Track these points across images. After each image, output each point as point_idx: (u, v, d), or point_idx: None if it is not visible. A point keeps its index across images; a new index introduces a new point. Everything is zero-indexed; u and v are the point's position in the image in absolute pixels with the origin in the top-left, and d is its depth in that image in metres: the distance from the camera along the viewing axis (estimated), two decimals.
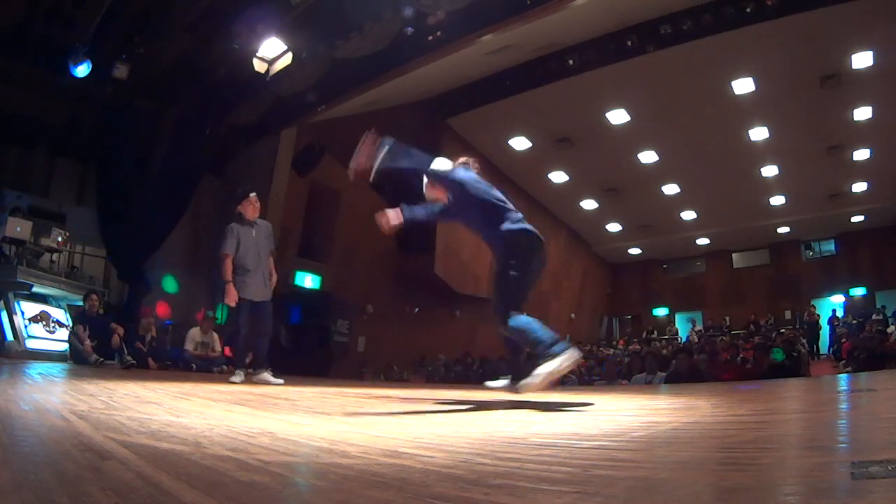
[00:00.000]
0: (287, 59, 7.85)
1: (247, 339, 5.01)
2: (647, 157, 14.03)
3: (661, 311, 20.94)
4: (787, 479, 1.03)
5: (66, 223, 8.82)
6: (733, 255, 19.99)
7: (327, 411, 2.50)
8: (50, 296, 8.13)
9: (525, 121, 12.81)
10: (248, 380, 4.86)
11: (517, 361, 3.26)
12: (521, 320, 2.72)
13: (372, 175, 2.85)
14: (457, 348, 14.20)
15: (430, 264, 12.99)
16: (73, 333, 7.24)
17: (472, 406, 2.95)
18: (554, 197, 16.70)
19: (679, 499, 0.88)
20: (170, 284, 10.16)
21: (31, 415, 1.74)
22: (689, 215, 17.47)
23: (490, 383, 3.23)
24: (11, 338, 7.28)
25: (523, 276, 2.84)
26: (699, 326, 18.13)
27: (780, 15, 8.55)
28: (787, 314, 17.36)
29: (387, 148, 2.86)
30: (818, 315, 15.66)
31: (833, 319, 15.37)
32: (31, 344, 7.41)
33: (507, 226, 2.85)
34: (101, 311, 7.64)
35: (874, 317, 14.14)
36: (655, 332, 18.93)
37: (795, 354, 8.34)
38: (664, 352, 11.66)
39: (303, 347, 11.72)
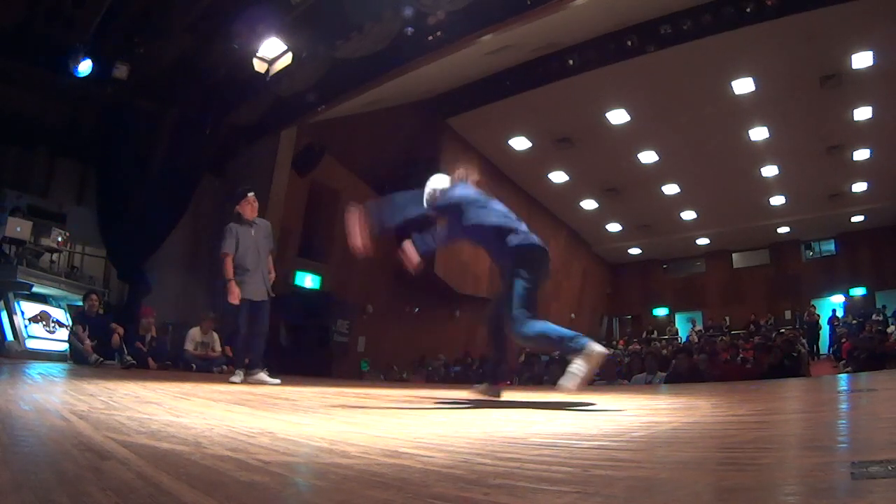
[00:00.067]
0: (287, 59, 7.85)
1: (246, 339, 5.02)
2: (647, 157, 14.03)
3: (661, 311, 20.94)
4: (787, 479, 1.03)
5: (66, 223, 8.82)
6: (733, 255, 19.99)
7: (327, 411, 2.50)
8: (50, 296, 8.13)
9: (525, 121, 12.81)
10: (246, 380, 4.86)
11: (498, 366, 3.29)
12: (537, 327, 2.77)
13: (371, 247, 2.97)
14: (457, 348, 14.21)
15: (430, 264, 12.99)
16: (72, 333, 7.24)
17: (472, 406, 2.95)
18: (554, 197, 16.70)
19: (679, 499, 0.88)
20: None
21: (31, 415, 1.74)
22: (689, 215, 17.48)
23: (475, 388, 3.25)
24: (11, 338, 7.28)
25: (535, 288, 2.90)
26: (699, 326, 18.14)
27: (780, 15, 8.55)
28: (787, 314, 17.37)
29: (374, 212, 2.88)
30: (818, 315, 15.66)
31: (833, 319, 15.37)
32: (31, 344, 7.41)
33: (514, 240, 2.90)
34: (100, 311, 7.64)
35: (874, 317, 14.14)
36: (655, 332, 18.93)
37: (795, 354, 8.34)
38: (664, 352, 11.66)
39: (303, 347, 11.73)
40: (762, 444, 1.51)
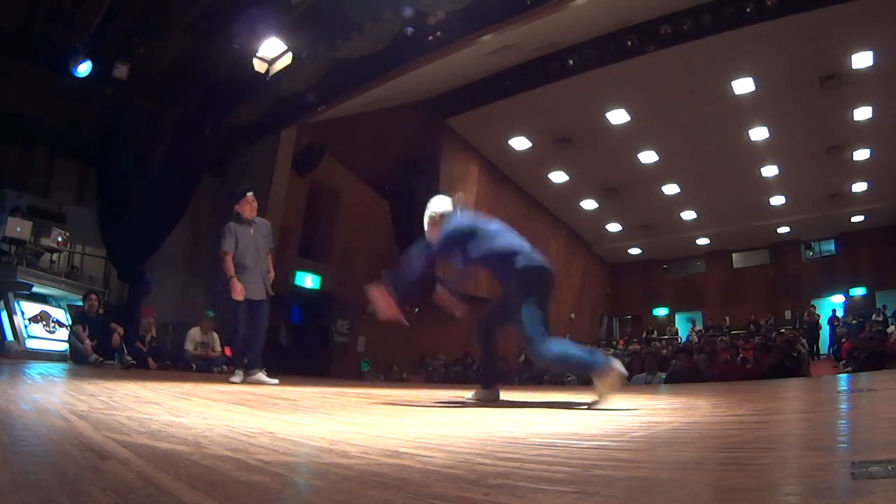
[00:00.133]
0: (287, 59, 7.85)
1: (245, 339, 5.02)
2: (647, 157, 14.03)
3: (661, 311, 20.94)
4: (787, 479, 1.03)
5: (66, 223, 8.82)
6: (733, 255, 20.00)
7: (327, 411, 2.50)
8: (50, 296, 8.13)
9: (525, 121, 12.81)
10: (245, 380, 4.86)
11: (489, 369, 3.29)
12: (556, 348, 2.78)
13: (403, 311, 3.01)
14: (457, 348, 14.20)
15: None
16: (72, 333, 7.24)
17: (472, 406, 2.95)
18: (554, 197, 16.70)
19: (679, 499, 0.88)
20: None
21: (31, 415, 1.74)
22: (689, 215, 17.48)
23: (467, 396, 3.25)
24: (11, 338, 7.29)
25: (545, 307, 2.91)
26: (699, 326, 18.14)
27: (780, 15, 8.54)
28: (787, 314, 17.37)
29: (391, 280, 2.94)
30: (818, 315, 15.67)
31: (833, 319, 15.38)
32: (31, 344, 7.42)
33: (521, 262, 2.88)
34: (100, 311, 7.64)
35: (874, 317, 14.14)
36: (655, 332, 18.93)
37: (795, 354, 8.34)
38: (664, 352, 11.66)
39: (303, 347, 11.74)
40: (762, 444, 1.51)
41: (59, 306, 8.16)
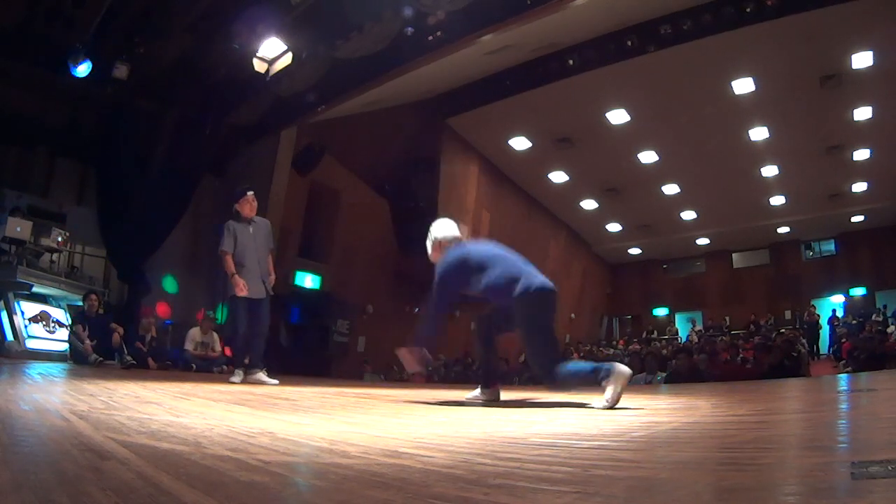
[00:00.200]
0: (287, 59, 7.85)
1: (246, 338, 5.01)
2: (647, 157, 14.03)
3: (661, 311, 20.95)
4: (787, 479, 1.03)
5: (66, 223, 8.82)
6: (733, 255, 20.01)
7: (327, 411, 2.50)
8: (50, 296, 8.13)
9: (525, 121, 12.81)
10: (245, 379, 4.86)
11: (490, 371, 3.30)
12: (564, 370, 2.77)
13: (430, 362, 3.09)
14: (457, 348, 14.20)
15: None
16: (72, 333, 7.24)
17: (472, 406, 2.95)
18: (554, 197, 16.71)
19: (679, 499, 0.88)
20: (170, 284, 10.16)
21: (31, 415, 1.74)
22: (689, 215, 17.48)
23: (467, 396, 3.25)
24: (11, 338, 7.28)
25: (550, 328, 2.93)
26: (699, 326, 18.15)
27: (780, 15, 8.55)
28: (787, 314, 17.38)
29: (421, 342, 3.03)
30: (818, 315, 15.67)
31: (833, 319, 15.38)
32: (31, 344, 7.41)
33: (519, 288, 2.85)
34: (100, 311, 7.64)
35: (874, 317, 14.15)
36: (655, 332, 18.94)
37: (795, 354, 8.34)
38: (664, 352, 11.67)
39: (303, 347, 11.73)
40: (762, 444, 1.51)
41: (59, 306, 8.16)
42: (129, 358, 7.16)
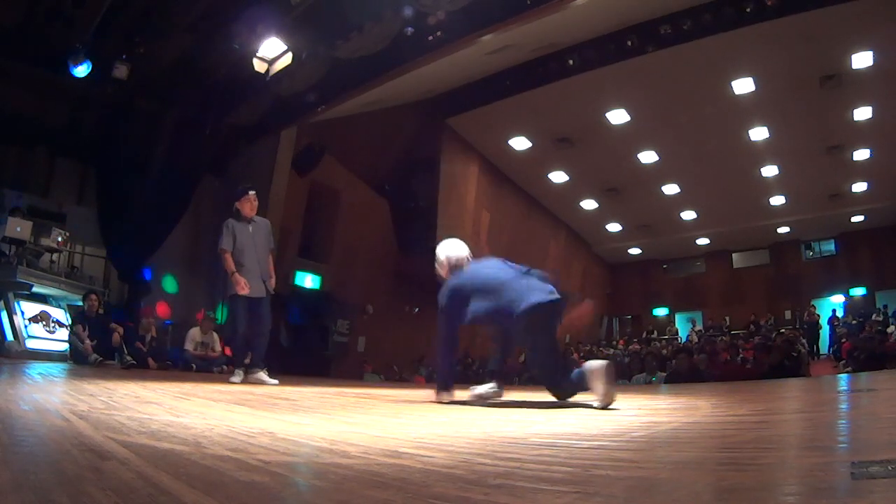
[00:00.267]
0: (287, 59, 7.85)
1: (245, 338, 5.00)
2: (647, 157, 14.03)
3: (661, 311, 20.95)
4: (787, 479, 1.03)
5: (66, 223, 8.82)
6: (733, 255, 20.01)
7: (327, 411, 2.50)
8: (50, 296, 8.13)
9: (525, 121, 12.81)
10: (245, 379, 4.85)
11: (502, 366, 3.31)
12: (566, 378, 2.80)
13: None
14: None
15: (430, 264, 12.98)
16: (73, 333, 7.25)
17: (472, 406, 2.95)
18: (554, 197, 16.71)
19: (679, 499, 0.88)
20: (170, 284, 10.16)
21: (31, 415, 1.74)
22: (689, 215, 17.48)
23: (478, 389, 3.24)
24: (11, 338, 7.28)
25: (552, 340, 2.94)
26: (699, 326, 18.15)
27: (780, 15, 8.55)
28: (787, 314, 17.38)
29: (441, 384, 3.16)
30: (818, 315, 15.68)
31: (833, 319, 15.38)
32: (31, 344, 7.41)
33: (519, 309, 2.82)
34: (100, 311, 7.64)
35: (874, 317, 14.15)
36: (655, 332, 18.94)
37: (795, 354, 8.34)
38: (664, 352, 11.68)
39: (303, 347, 11.74)
40: (762, 444, 1.51)
41: (59, 306, 8.16)
42: (129, 358, 7.16)
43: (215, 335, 8.20)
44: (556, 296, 2.86)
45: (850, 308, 16.63)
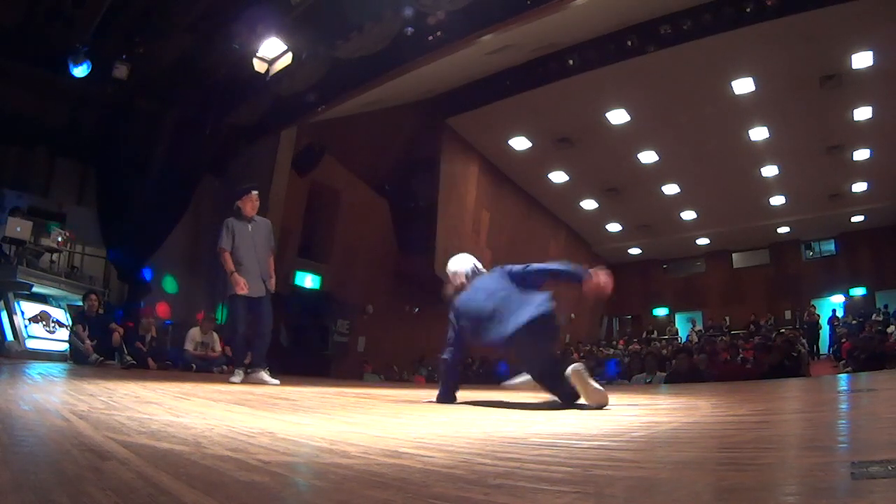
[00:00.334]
0: (287, 59, 7.85)
1: (245, 338, 5.00)
2: (647, 157, 14.03)
3: (661, 311, 20.94)
4: (787, 479, 1.03)
5: (66, 223, 8.82)
6: (733, 255, 20.00)
7: (327, 411, 2.50)
8: (50, 296, 8.13)
9: (525, 121, 12.81)
10: (246, 379, 4.84)
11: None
12: (566, 384, 2.80)
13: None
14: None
15: (430, 264, 12.99)
16: (73, 333, 7.25)
17: (472, 406, 2.95)
18: (554, 197, 16.71)
19: (679, 499, 0.88)
20: (170, 285, 10.16)
21: (31, 415, 1.74)
22: (689, 215, 17.48)
23: (510, 382, 3.25)
24: (11, 338, 7.28)
25: (551, 351, 2.98)
26: (699, 326, 18.14)
27: (780, 15, 8.55)
28: (787, 314, 17.38)
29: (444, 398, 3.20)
30: (818, 315, 15.67)
31: (833, 319, 15.38)
32: (31, 344, 7.41)
33: (507, 332, 2.83)
34: (100, 311, 7.64)
35: (874, 317, 14.15)
36: (655, 332, 18.93)
37: (795, 354, 8.35)
38: (664, 352, 11.67)
39: (303, 347, 11.73)
40: (762, 444, 1.51)
41: (59, 306, 8.16)
42: (129, 358, 7.16)
43: (215, 335, 8.20)
44: (537, 312, 2.78)
45: (850, 308, 16.63)
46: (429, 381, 11.88)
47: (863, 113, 11.51)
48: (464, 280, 3.23)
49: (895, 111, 11.20)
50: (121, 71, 7.89)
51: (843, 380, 6.25)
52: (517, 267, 3.05)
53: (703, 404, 3.12)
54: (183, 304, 10.06)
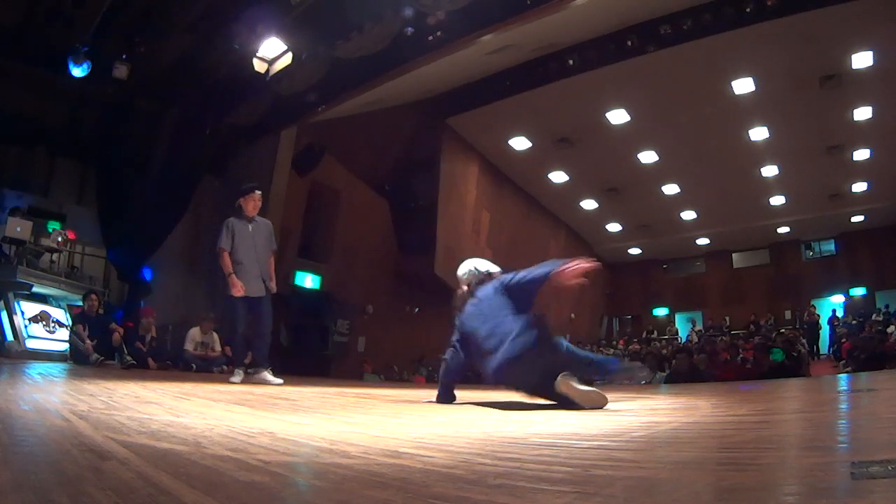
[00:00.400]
0: (287, 59, 7.85)
1: (247, 338, 4.99)
2: (647, 157, 14.03)
3: (661, 311, 20.94)
4: (787, 479, 1.03)
5: (66, 223, 8.82)
6: (733, 255, 20.00)
7: (327, 411, 2.50)
8: (50, 296, 8.13)
9: (525, 121, 12.81)
10: (248, 379, 4.84)
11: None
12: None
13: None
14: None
15: (430, 264, 13.00)
16: (73, 333, 7.25)
17: (472, 406, 2.95)
18: (554, 197, 16.71)
19: (679, 499, 0.88)
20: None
21: (31, 415, 1.74)
22: (689, 215, 17.48)
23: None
24: (11, 338, 7.29)
25: (545, 357, 2.92)
26: (699, 326, 18.14)
27: (780, 15, 8.55)
28: (787, 314, 17.37)
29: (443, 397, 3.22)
30: (818, 315, 15.67)
31: (833, 319, 15.38)
32: (31, 344, 7.42)
33: (494, 364, 2.83)
34: (100, 311, 7.64)
35: (874, 317, 14.14)
36: (655, 332, 18.94)
37: (795, 354, 8.35)
38: (664, 352, 11.68)
39: (303, 347, 11.74)
40: (762, 444, 1.51)
41: (59, 306, 8.16)
42: (129, 358, 7.16)
43: (215, 335, 8.19)
44: (514, 352, 2.73)
45: (850, 308, 16.63)
46: (429, 381, 11.88)
47: (863, 113, 11.51)
48: (466, 287, 3.22)
49: (895, 111, 11.20)
50: (121, 71, 7.89)
51: (843, 380, 6.25)
52: (513, 280, 2.99)
53: (703, 404, 3.12)
54: (183, 304, 10.05)
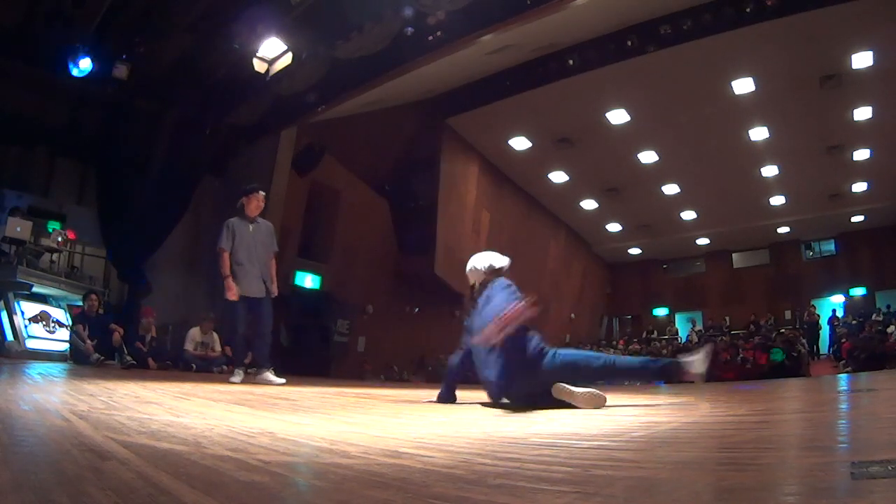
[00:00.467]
0: (287, 59, 7.85)
1: (247, 338, 4.99)
2: (647, 157, 14.03)
3: (661, 311, 20.94)
4: (787, 479, 1.03)
5: (66, 223, 8.82)
6: (733, 255, 20.00)
7: (327, 411, 2.50)
8: (50, 296, 8.13)
9: (525, 121, 12.81)
10: (250, 379, 4.84)
11: None
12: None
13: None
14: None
15: (430, 264, 13.00)
16: (73, 333, 7.25)
17: (472, 406, 2.95)
18: (554, 197, 16.71)
19: (679, 499, 0.88)
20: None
21: (31, 415, 1.74)
22: (689, 215, 17.48)
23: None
24: (11, 338, 7.28)
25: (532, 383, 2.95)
26: (699, 326, 18.14)
27: (780, 15, 8.55)
28: (787, 314, 17.37)
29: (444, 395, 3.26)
30: (818, 315, 15.67)
31: (833, 319, 15.38)
32: (31, 344, 7.41)
33: (497, 391, 2.87)
34: (100, 311, 7.64)
35: (874, 317, 14.14)
36: (655, 332, 18.94)
37: (795, 354, 8.35)
38: (664, 352, 11.68)
39: (303, 347, 11.74)
40: (762, 444, 1.51)
41: (59, 306, 8.16)
42: (129, 358, 7.16)
43: (215, 335, 8.20)
44: (497, 372, 2.76)
45: (850, 308, 16.63)
46: (428, 382, 11.88)
47: (863, 113, 11.51)
48: (472, 285, 3.22)
49: (895, 111, 11.20)
50: (121, 71, 7.89)
51: (843, 380, 6.25)
52: (507, 292, 2.95)
53: (703, 404, 3.12)
54: (183, 304, 10.05)
